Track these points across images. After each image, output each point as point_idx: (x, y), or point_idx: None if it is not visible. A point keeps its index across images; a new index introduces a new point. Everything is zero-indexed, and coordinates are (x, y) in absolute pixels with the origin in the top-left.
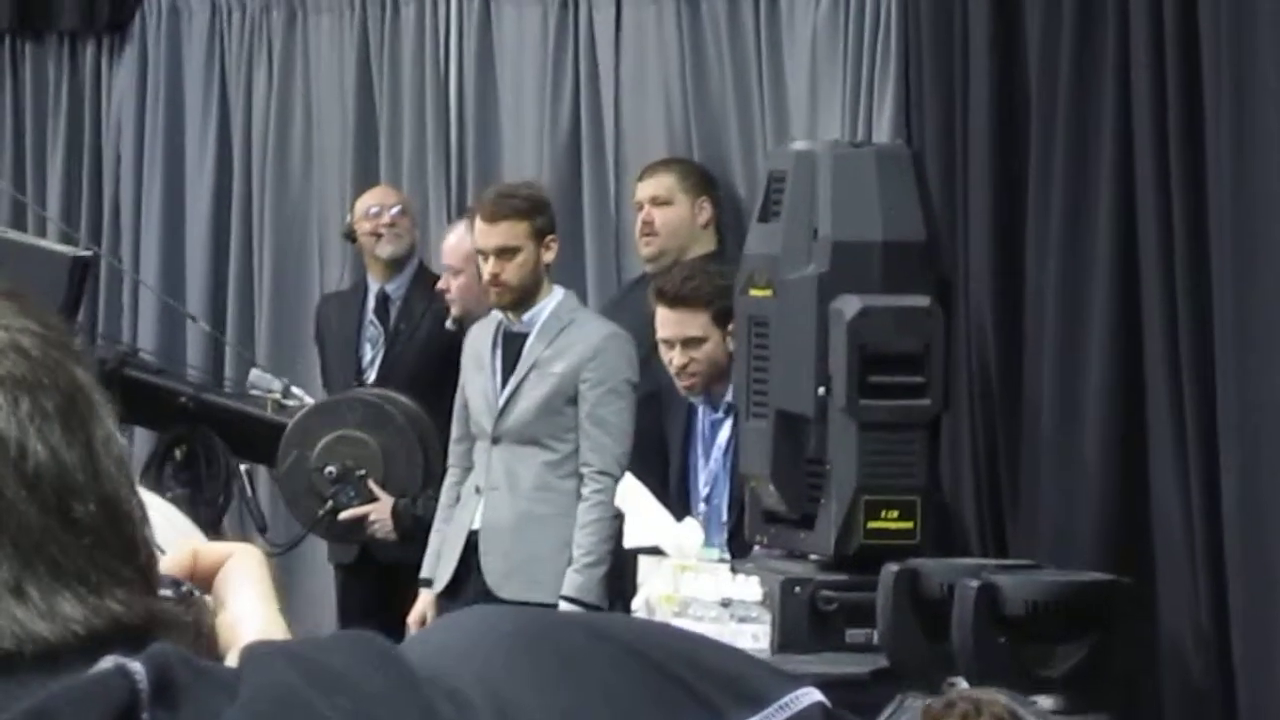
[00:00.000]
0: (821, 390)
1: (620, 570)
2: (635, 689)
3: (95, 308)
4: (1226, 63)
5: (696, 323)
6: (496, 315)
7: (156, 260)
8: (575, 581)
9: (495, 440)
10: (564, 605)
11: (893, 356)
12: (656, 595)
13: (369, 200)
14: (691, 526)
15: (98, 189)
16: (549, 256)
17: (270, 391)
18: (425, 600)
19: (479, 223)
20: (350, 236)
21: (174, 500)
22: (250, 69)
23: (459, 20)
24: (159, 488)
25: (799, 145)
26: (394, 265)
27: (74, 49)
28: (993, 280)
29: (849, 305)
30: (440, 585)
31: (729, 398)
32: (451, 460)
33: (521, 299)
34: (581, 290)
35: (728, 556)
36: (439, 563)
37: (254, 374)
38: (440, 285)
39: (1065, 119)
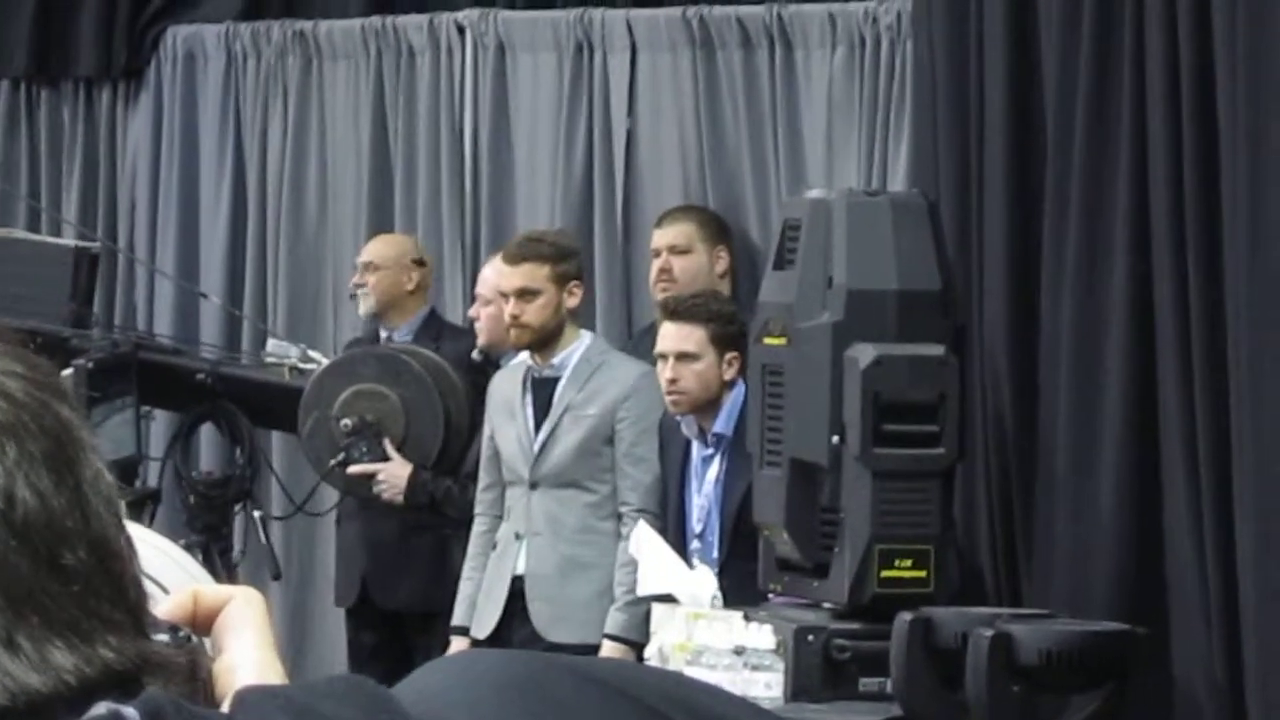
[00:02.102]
0: (836, 439)
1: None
2: None
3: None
4: (1242, 109)
5: (692, 338)
6: (522, 363)
7: (171, 305)
8: (618, 620)
9: (533, 485)
10: (607, 643)
11: (907, 405)
12: (670, 643)
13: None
14: (705, 574)
15: (113, 234)
16: (572, 302)
17: (286, 358)
18: (459, 648)
19: (502, 264)
20: None
21: (199, 481)
22: (265, 115)
23: (474, 67)
24: (184, 466)
25: (814, 194)
26: (371, 318)
27: (89, 95)
28: (1008, 329)
29: (864, 354)
30: (483, 633)
31: (717, 428)
32: (479, 509)
33: (542, 341)
34: None
35: (719, 594)
36: (478, 611)
37: (271, 343)
38: (471, 313)
39: (1080, 168)
